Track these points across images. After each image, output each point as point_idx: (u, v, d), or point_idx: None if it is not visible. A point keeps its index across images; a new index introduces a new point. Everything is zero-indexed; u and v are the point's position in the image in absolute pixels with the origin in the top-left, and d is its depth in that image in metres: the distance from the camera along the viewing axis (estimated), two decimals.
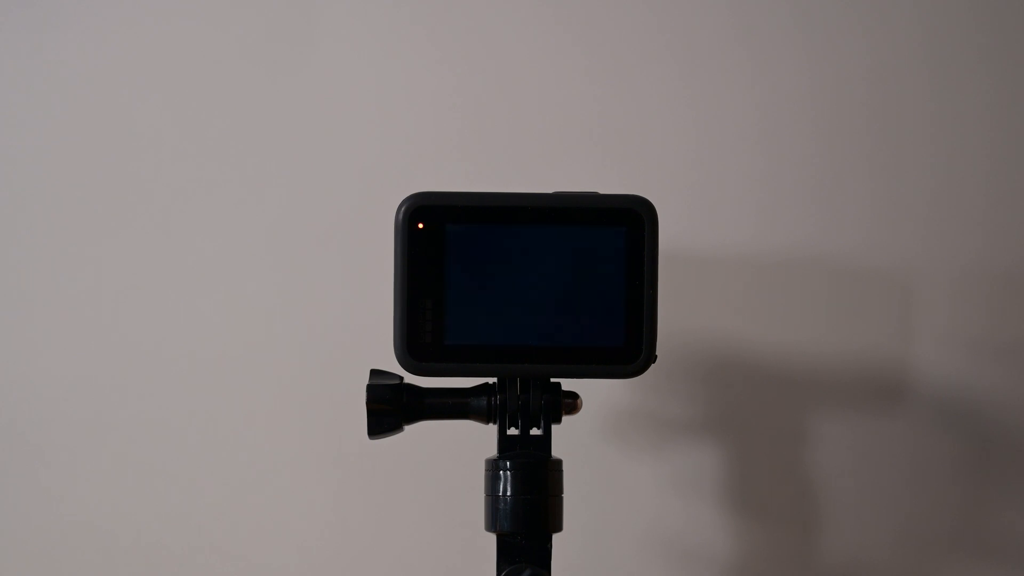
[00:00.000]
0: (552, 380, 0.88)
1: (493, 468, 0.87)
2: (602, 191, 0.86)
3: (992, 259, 1.09)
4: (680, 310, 1.06)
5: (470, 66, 1.09)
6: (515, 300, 0.85)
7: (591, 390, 0.93)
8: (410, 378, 0.87)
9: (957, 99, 1.09)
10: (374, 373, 0.89)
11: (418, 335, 0.85)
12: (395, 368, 0.86)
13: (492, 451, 0.88)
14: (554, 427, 0.88)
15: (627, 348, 0.85)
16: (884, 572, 1.09)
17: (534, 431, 0.88)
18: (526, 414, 0.87)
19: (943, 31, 1.09)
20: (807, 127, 1.09)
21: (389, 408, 0.88)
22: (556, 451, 0.88)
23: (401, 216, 0.85)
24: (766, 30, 1.09)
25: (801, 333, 1.08)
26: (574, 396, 0.89)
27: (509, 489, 0.86)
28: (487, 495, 0.87)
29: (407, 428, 0.89)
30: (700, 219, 1.09)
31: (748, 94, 1.09)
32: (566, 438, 0.93)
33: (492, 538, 0.87)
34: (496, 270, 0.85)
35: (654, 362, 0.86)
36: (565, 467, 0.88)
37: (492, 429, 0.88)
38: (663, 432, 1.08)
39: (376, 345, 0.95)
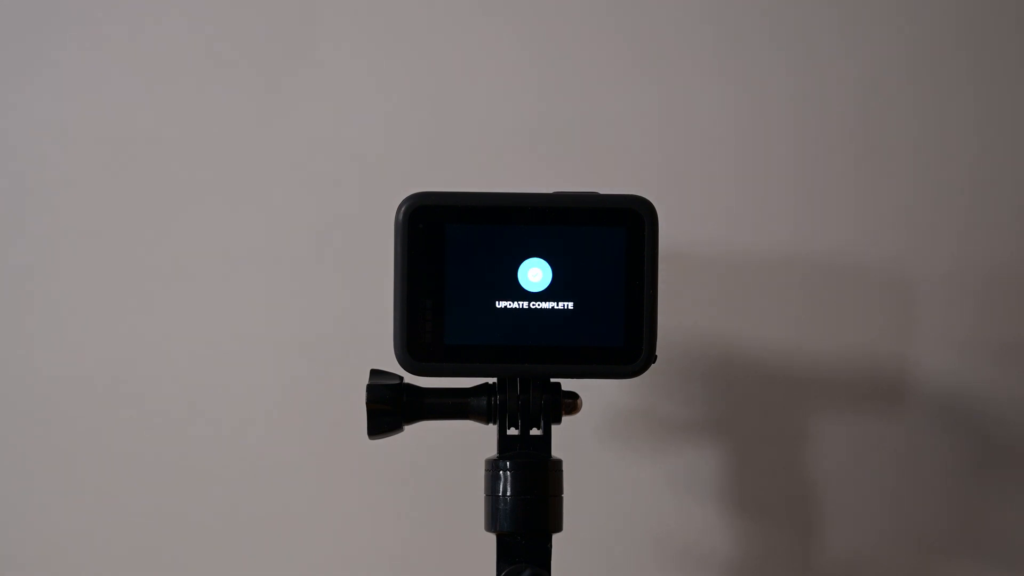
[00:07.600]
0: (552, 380, 0.88)
1: (493, 468, 0.87)
2: (602, 191, 0.86)
3: (990, 258, 1.09)
4: (680, 310, 1.06)
5: (470, 66, 1.09)
6: (515, 300, 0.85)
7: (591, 390, 0.93)
8: (410, 378, 0.87)
9: (951, 96, 1.09)
10: (374, 373, 0.89)
11: (418, 335, 0.85)
12: (395, 368, 0.86)
13: (492, 451, 0.88)
14: (554, 427, 0.88)
15: (627, 348, 0.85)
16: (883, 572, 1.09)
17: (534, 431, 0.88)
18: (526, 414, 0.87)
19: (933, 28, 1.09)
20: (805, 126, 1.09)
21: (389, 408, 0.88)
22: (556, 451, 0.88)
23: (401, 216, 0.85)
24: (756, 30, 1.09)
25: (801, 333, 1.08)
26: (574, 396, 0.89)
27: (509, 489, 0.86)
28: (487, 495, 0.87)
29: (407, 428, 0.89)
30: (701, 219, 1.09)
31: (744, 95, 1.09)
32: (566, 438, 0.93)
33: (492, 538, 0.87)
34: (496, 270, 0.85)
35: (654, 362, 0.86)
36: (565, 467, 0.88)
37: (492, 429, 0.88)
38: (663, 432, 1.08)
39: (376, 345, 0.95)
